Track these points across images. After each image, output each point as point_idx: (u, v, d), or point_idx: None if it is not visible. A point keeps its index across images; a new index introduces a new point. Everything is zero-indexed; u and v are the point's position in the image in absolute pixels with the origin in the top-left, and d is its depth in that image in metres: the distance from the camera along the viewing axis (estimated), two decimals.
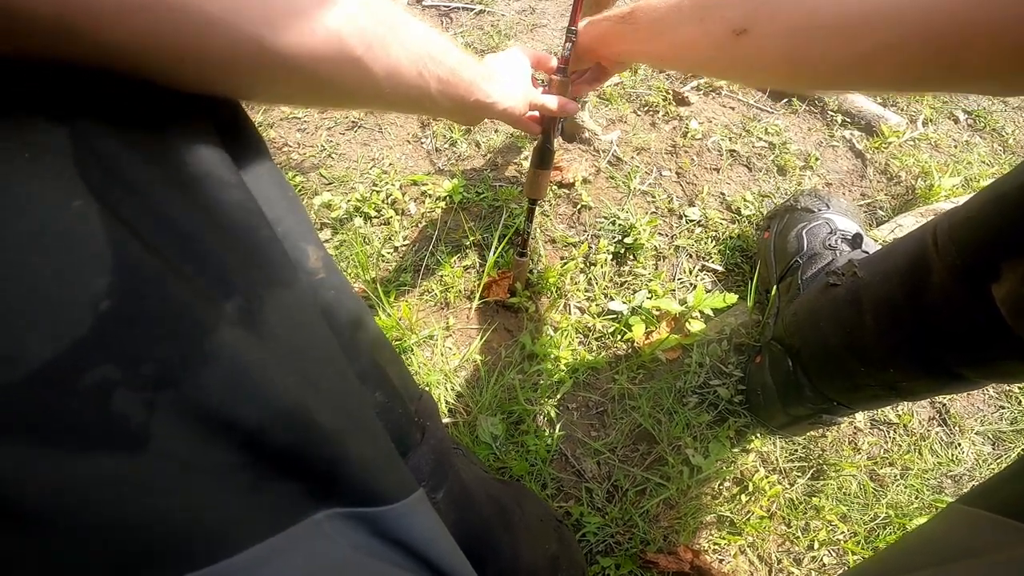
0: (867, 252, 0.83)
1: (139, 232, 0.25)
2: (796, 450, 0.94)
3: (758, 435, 0.93)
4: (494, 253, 1.07)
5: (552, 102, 0.81)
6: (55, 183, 0.23)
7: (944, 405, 1.01)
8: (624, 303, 1.02)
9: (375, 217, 1.18)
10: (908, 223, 1.08)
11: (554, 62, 0.84)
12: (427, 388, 0.94)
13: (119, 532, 0.23)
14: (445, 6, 1.93)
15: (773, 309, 0.95)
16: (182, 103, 0.31)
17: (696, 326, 0.98)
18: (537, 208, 0.97)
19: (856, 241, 0.87)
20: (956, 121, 1.42)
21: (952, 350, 0.63)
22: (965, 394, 1.03)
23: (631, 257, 1.10)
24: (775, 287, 0.96)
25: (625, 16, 0.67)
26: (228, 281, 0.28)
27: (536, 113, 0.84)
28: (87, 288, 0.22)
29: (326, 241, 1.16)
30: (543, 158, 0.87)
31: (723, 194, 1.20)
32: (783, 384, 0.84)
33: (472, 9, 1.88)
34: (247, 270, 0.30)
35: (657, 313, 1.01)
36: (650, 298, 1.02)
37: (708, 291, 1.04)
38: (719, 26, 0.50)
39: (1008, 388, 1.04)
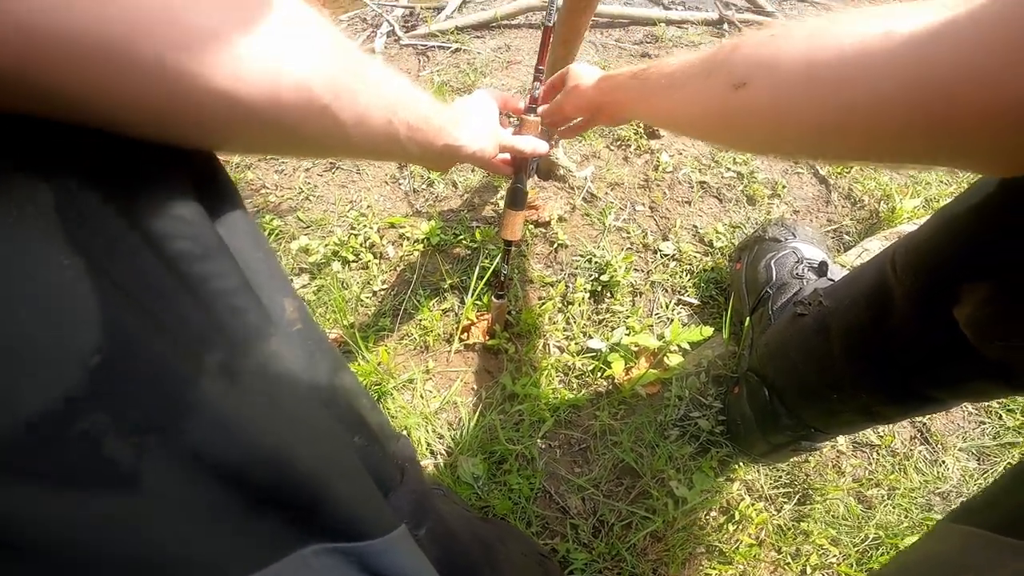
0: (832, 279, 0.87)
1: (124, 290, 0.27)
2: (781, 476, 0.96)
3: (741, 464, 0.96)
4: (472, 296, 1.10)
5: (522, 143, 0.84)
6: (45, 240, 0.25)
7: (924, 424, 1.04)
8: (602, 340, 1.06)
9: (353, 261, 1.22)
10: (874, 247, 1.13)
11: (522, 104, 0.87)
12: (406, 431, 0.96)
13: (113, 566, 0.26)
14: (422, 44, 1.99)
15: (747, 340, 0.99)
16: (157, 155, 0.33)
17: (674, 360, 1.01)
18: (514, 249, 1.00)
19: (822, 269, 0.91)
20: None
21: (920, 373, 0.66)
22: (944, 413, 1.06)
23: (608, 294, 1.14)
24: (748, 318, 1.00)
25: (637, 73, 0.69)
26: (207, 337, 0.31)
27: (507, 155, 0.86)
28: (78, 343, 0.25)
29: (304, 286, 1.19)
30: (516, 199, 0.91)
31: (695, 227, 1.24)
32: (761, 413, 0.87)
33: (448, 47, 1.93)
34: (226, 326, 0.33)
35: (635, 349, 1.04)
36: (628, 334, 1.05)
37: (685, 325, 1.08)
38: (722, 80, 0.52)
39: (987, 404, 1.07)
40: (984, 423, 1.05)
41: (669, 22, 2.19)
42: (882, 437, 1.01)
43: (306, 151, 0.49)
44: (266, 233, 1.28)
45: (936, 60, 0.36)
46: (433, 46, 1.98)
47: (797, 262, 0.95)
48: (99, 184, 0.28)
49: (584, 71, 0.83)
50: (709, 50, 0.56)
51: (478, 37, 2.03)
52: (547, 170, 1.31)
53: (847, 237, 1.25)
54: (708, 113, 0.56)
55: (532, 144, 0.86)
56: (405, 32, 2.10)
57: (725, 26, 2.20)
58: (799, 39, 0.45)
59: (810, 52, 0.44)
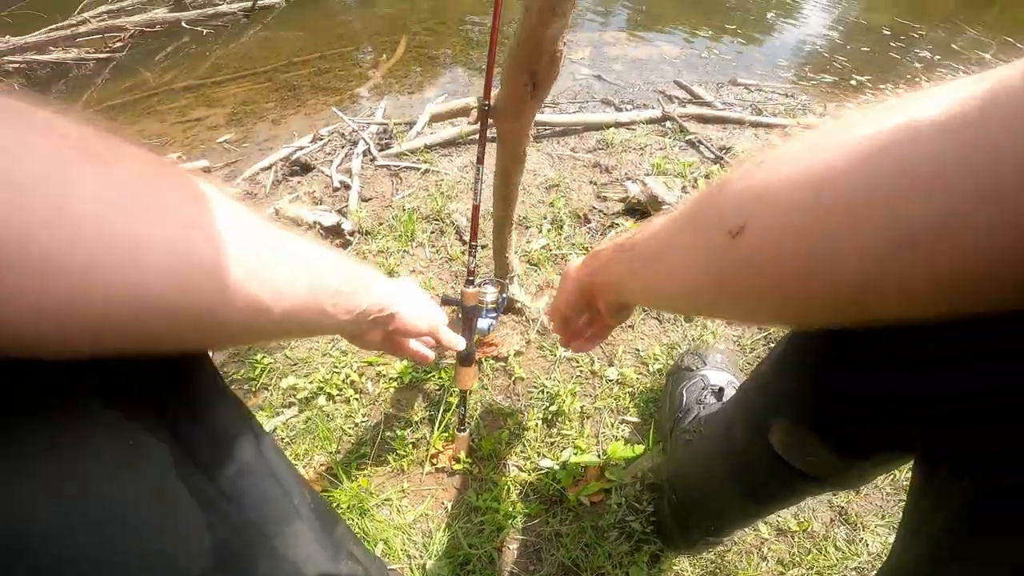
0: (723, 404, 1.18)
1: (208, 504, 0.53)
2: (707, 565, 1.22)
3: (670, 556, 1.22)
4: (438, 429, 1.41)
5: (443, 334, 0.94)
6: (169, 473, 0.46)
7: (842, 507, 1.28)
8: (553, 460, 1.35)
9: (337, 396, 1.52)
10: None
11: (445, 320, 0.97)
12: (385, 541, 1.24)
13: None
14: (395, 166, 2.33)
15: (667, 457, 1.28)
16: (208, 392, 0.55)
17: (614, 472, 1.32)
18: (474, 388, 1.29)
19: (719, 394, 1.21)
20: None
21: (765, 484, 0.88)
22: (861, 495, 1.32)
23: (558, 420, 1.44)
24: (668, 439, 1.28)
25: (622, 243, 0.66)
26: (260, 528, 0.61)
27: (425, 350, 0.95)
28: (203, 542, 0.49)
29: (294, 417, 1.49)
30: (464, 357, 1.21)
31: (637, 350, 1.56)
32: (675, 516, 1.14)
33: (419, 168, 2.27)
34: (268, 521, 0.63)
35: (583, 467, 1.34)
36: (576, 454, 1.35)
37: (626, 442, 1.38)
38: (713, 227, 0.44)
39: (905, 483, 1.27)
40: (903, 500, 1.23)
41: (619, 124, 2.53)
42: (801, 523, 1.26)
43: (237, 338, 0.51)
44: (258, 371, 1.59)
45: (995, 136, 0.28)
46: (405, 167, 2.32)
47: (703, 388, 1.25)
48: (176, 436, 0.46)
49: (576, 262, 0.84)
50: (694, 194, 0.52)
51: (446, 156, 2.38)
52: (506, 305, 1.62)
53: (774, 345, 1.56)
54: (706, 274, 0.48)
55: (451, 340, 0.98)
56: (380, 151, 2.44)
57: (668, 124, 2.56)
58: (794, 157, 0.40)
59: (815, 170, 0.37)
